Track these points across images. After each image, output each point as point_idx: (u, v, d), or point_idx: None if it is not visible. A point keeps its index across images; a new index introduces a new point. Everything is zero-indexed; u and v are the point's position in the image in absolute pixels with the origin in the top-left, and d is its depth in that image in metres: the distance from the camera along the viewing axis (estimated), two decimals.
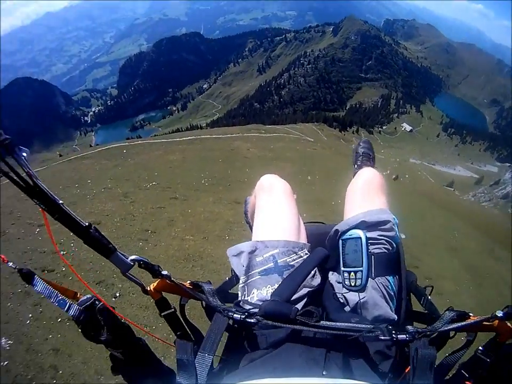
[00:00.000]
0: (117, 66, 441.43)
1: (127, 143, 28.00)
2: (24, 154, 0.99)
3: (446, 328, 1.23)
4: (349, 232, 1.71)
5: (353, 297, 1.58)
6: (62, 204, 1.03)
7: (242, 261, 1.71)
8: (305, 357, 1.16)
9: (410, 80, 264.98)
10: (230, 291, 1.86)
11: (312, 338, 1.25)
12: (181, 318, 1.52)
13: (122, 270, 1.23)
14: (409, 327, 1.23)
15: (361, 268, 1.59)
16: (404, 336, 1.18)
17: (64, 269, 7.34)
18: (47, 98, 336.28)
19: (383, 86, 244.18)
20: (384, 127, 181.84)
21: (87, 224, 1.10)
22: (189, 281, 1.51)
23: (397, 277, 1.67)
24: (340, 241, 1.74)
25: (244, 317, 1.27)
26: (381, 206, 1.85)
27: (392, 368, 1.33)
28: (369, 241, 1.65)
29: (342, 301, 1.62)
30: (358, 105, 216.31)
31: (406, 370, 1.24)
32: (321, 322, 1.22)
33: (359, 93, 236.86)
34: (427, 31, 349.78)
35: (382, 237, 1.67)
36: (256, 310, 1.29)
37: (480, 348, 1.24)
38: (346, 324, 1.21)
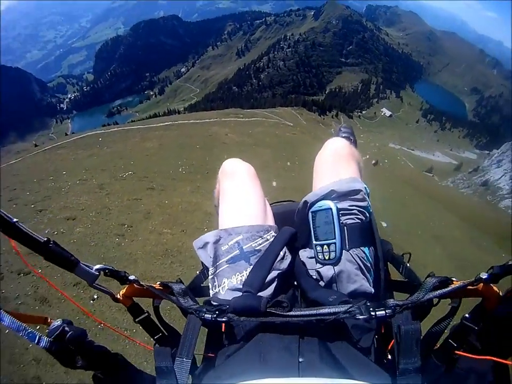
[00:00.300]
0: (93, 51, 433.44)
1: (102, 131, 27.47)
2: None
3: (428, 297, 1.18)
4: (318, 204, 1.63)
5: (327, 271, 1.52)
6: (16, 221, 0.98)
7: (209, 252, 1.66)
8: (277, 347, 1.14)
9: (391, 66, 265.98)
10: (203, 285, 1.83)
11: (284, 325, 1.21)
12: (158, 321, 1.51)
13: (88, 281, 1.20)
14: (389, 301, 1.18)
15: (334, 240, 1.53)
16: (383, 312, 1.12)
17: (40, 270, 6.91)
18: (22, 86, 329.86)
19: (363, 71, 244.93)
20: (363, 112, 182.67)
21: (45, 239, 1.06)
22: (158, 283, 1.49)
23: (373, 248, 1.61)
24: (310, 213, 1.66)
25: (214, 316, 1.25)
26: (352, 175, 1.76)
27: (375, 342, 1.31)
28: (340, 212, 1.58)
29: (315, 277, 1.55)
30: (337, 90, 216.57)
31: (390, 345, 1.26)
32: (293, 310, 1.18)
33: (339, 78, 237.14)
34: (409, 18, 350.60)
35: (354, 207, 1.61)
36: (227, 307, 1.26)
37: (466, 315, 1.19)
38: (319, 310, 1.16)
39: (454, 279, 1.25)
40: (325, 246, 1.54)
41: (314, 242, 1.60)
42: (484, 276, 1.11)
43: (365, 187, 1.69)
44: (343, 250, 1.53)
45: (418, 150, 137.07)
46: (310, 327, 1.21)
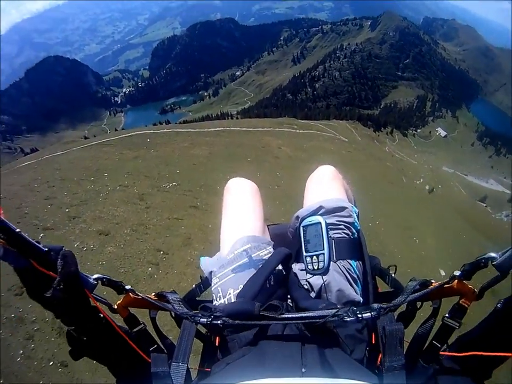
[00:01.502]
0: (149, 49, 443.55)
1: (152, 131, 26.79)
2: None
3: (409, 299, 1.25)
4: (309, 219, 1.73)
5: (317, 281, 1.59)
6: (20, 231, 0.97)
7: (213, 263, 1.75)
8: (280, 355, 1.16)
9: (448, 83, 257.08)
10: (198, 298, 1.85)
11: (284, 335, 1.26)
12: (155, 331, 1.51)
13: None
14: (374, 305, 1.24)
15: (322, 251, 1.61)
16: (369, 314, 1.19)
17: None
18: (78, 77, 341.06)
19: (420, 87, 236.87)
20: (418, 130, 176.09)
21: (46, 250, 1.03)
22: (153, 293, 1.51)
23: (360, 262, 1.70)
24: (301, 228, 1.74)
25: (210, 320, 1.27)
26: (338, 195, 1.89)
27: (367, 352, 1.35)
28: (329, 226, 1.67)
29: (306, 287, 1.63)
30: (392, 105, 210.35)
31: (379, 359, 1.28)
32: (285, 314, 1.24)
33: (395, 92, 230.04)
34: (466, 32, 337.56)
35: (340, 222, 1.70)
36: (222, 312, 1.29)
37: (446, 314, 1.24)
38: (309, 313, 1.23)
39: (432, 281, 1.32)
40: (314, 257, 1.62)
41: (304, 254, 1.67)
42: (457, 273, 1.18)
43: (352, 206, 1.81)
44: (331, 262, 1.61)
45: (471, 176, 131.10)
46: (308, 337, 1.26)
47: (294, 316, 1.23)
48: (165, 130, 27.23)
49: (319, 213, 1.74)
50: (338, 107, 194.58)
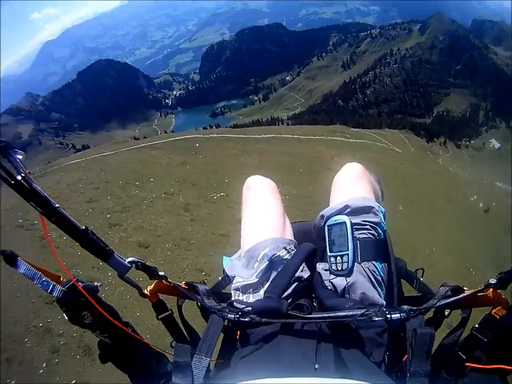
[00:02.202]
0: (199, 53, 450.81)
1: (201, 135, 26.46)
2: (20, 157, 0.94)
3: (440, 304, 1.23)
4: (334, 218, 1.71)
5: (340, 282, 1.58)
6: (58, 207, 1.01)
7: (238, 267, 1.75)
8: (295, 351, 1.16)
9: (500, 90, 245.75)
10: (224, 291, 1.86)
11: (302, 331, 1.25)
12: (180, 319, 1.53)
13: (119, 273, 1.22)
14: (404, 307, 1.24)
15: (347, 252, 1.59)
16: (398, 315, 1.18)
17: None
18: (129, 80, 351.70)
19: (472, 94, 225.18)
20: (471, 142, 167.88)
21: (84, 228, 1.08)
22: (184, 282, 1.53)
23: (385, 264, 1.68)
24: (326, 227, 1.74)
25: (237, 316, 1.28)
26: (365, 195, 1.87)
27: (386, 357, 1.33)
28: (354, 226, 1.65)
29: (330, 287, 1.62)
30: (445, 113, 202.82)
31: (404, 359, 1.26)
32: (313, 313, 1.22)
33: (447, 100, 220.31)
34: None
35: (366, 222, 1.69)
36: (250, 309, 1.31)
37: (476, 325, 1.19)
38: (337, 312, 1.22)
39: (465, 288, 1.27)
40: (338, 257, 1.60)
41: (328, 254, 1.66)
42: (493, 281, 1.13)
43: (378, 205, 1.78)
44: (355, 263, 1.59)
45: None
46: (326, 335, 1.25)
47: (321, 315, 1.22)
48: (215, 135, 26.74)
49: (344, 212, 1.72)
50: (389, 115, 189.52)
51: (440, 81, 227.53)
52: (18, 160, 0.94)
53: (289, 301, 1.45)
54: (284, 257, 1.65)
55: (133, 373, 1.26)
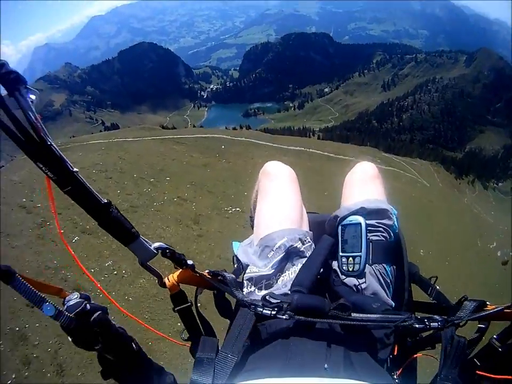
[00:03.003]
0: (242, 51, 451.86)
1: (229, 136, 25.78)
2: (33, 97, 0.79)
3: (471, 318, 1.23)
4: (349, 218, 1.69)
5: (350, 282, 1.59)
6: (76, 172, 0.89)
7: (250, 254, 1.73)
8: (305, 350, 1.13)
9: None
10: (238, 280, 1.72)
11: (314, 329, 1.22)
12: (196, 311, 1.46)
13: (141, 259, 1.13)
14: (436, 317, 1.23)
15: (359, 253, 1.57)
16: (436, 324, 1.19)
17: None
18: (169, 66, 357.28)
19: (508, 135, 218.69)
20: (499, 184, 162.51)
21: (106, 201, 0.97)
22: (207, 271, 1.45)
23: (394, 267, 1.69)
24: (340, 227, 1.72)
25: (274, 312, 1.19)
26: (379, 196, 1.88)
27: (391, 357, 1.34)
28: (368, 228, 1.63)
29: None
30: (477, 150, 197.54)
31: (408, 361, 1.31)
32: (353, 314, 1.19)
33: (481, 137, 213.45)
34: None
35: (380, 225, 1.70)
36: (286, 305, 1.21)
37: (494, 336, 1.24)
38: (379, 315, 1.21)
39: (488, 303, 1.29)
40: (350, 258, 1.59)
41: (340, 253, 1.65)
42: None
43: (392, 208, 1.79)
44: (366, 264, 1.58)
45: None
46: (337, 334, 1.25)
47: (363, 317, 1.19)
48: (243, 138, 25.99)
49: (359, 214, 1.69)
50: (422, 143, 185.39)
51: (478, 116, 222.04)
52: (29, 101, 0.79)
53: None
54: (300, 249, 1.64)
55: None
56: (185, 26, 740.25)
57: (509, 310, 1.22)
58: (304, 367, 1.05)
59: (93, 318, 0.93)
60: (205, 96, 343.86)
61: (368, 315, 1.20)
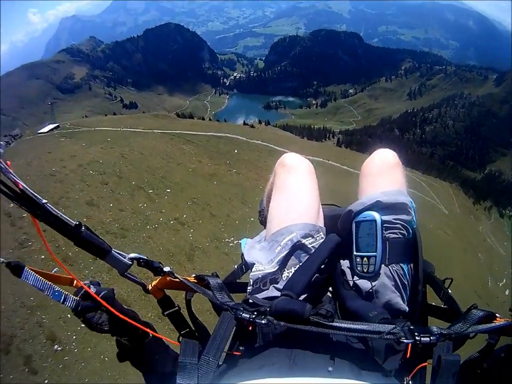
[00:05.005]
0: (270, 41, 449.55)
1: (244, 138, 24.59)
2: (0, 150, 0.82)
3: (473, 330, 1.14)
4: (363, 214, 1.63)
5: (365, 284, 1.53)
6: (46, 203, 0.95)
7: (257, 250, 1.69)
8: (309, 352, 1.11)
9: None
10: (239, 281, 1.79)
11: (318, 332, 1.13)
12: (188, 315, 1.48)
13: (120, 271, 1.16)
14: (433, 328, 1.16)
15: (375, 253, 1.52)
16: (428, 339, 1.10)
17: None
18: (194, 50, 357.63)
19: None
20: None
21: (76, 223, 1.02)
22: (193, 275, 1.47)
23: (411, 265, 1.61)
24: (354, 223, 1.66)
25: (253, 316, 1.18)
26: (399, 187, 1.77)
27: (400, 364, 1.26)
28: (384, 225, 1.57)
29: (353, 288, 1.57)
30: (497, 173, 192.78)
31: (417, 368, 1.22)
32: (335, 321, 1.13)
33: (503, 160, 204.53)
34: None
35: (398, 221, 1.60)
36: (267, 309, 1.20)
37: (501, 354, 1.19)
38: (362, 325, 1.13)
39: (497, 315, 1.22)
40: (365, 258, 1.54)
41: (354, 252, 1.60)
42: None
43: (411, 201, 1.69)
44: (382, 265, 1.53)
45: None
46: (341, 339, 1.21)
47: (345, 326, 1.12)
48: (259, 142, 24.83)
49: (375, 209, 1.63)
50: (442, 159, 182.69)
51: (502, 139, 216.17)
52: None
53: (305, 295, 1.42)
54: (309, 246, 1.58)
55: (149, 372, 1.25)
56: (214, 11, 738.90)
57: None
58: (307, 370, 1.04)
59: (99, 295, 1.03)
60: (227, 84, 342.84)
61: (351, 325, 1.13)
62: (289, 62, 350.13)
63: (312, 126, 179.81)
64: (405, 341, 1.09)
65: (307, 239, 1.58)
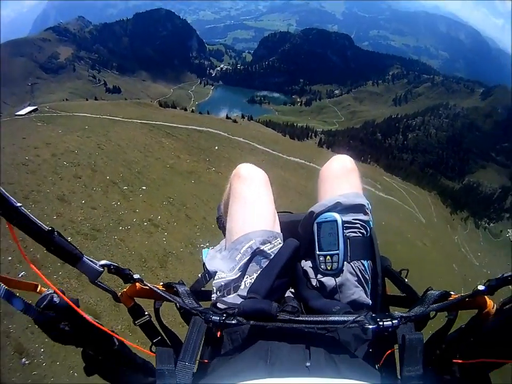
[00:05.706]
0: (260, 35, 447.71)
1: (225, 134, 24.16)
2: None
3: (429, 310, 1.22)
4: (324, 215, 1.68)
5: (329, 281, 1.57)
6: (20, 207, 0.94)
7: (218, 259, 1.72)
8: (285, 350, 1.13)
9: None
10: (203, 289, 1.80)
11: (290, 329, 1.19)
12: (158, 324, 1.48)
13: (90, 278, 1.16)
14: (394, 313, 1.22)
15: (337, 251, 1.57)
16: (390, 323, 1.16)
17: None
18: (182, 38, 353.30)
19: (508, 176, 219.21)
20: (491, 225, 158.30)
21: (49, 229, 1.01)
22: (161, 283, 1.49)
23: (371, 262, 1.67)
24: (315, 224, 1.71)
25: (223, 318, 1.22)
26: (356, 190, 1.86)
27: (370, 352, 1.32)
28: (344, 225, 1.63)
29: (317, 286, 1.61)
30: (475, 185, 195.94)
31: (386, 354, 1.27)
32: (302, 316, 1.20)
33: (482, 172, 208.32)
34: None
35: (357, 221, 1.68)
36: (235, 310, 1.24)
37: (462, 326, 1.26)
38: (328, 317, 1.19)
39: (452, 292, 1.29)
40: (328, 257, 1.58)
41: (317, 252, 1.64)
42: (481, 288, 1.15)
43: (368, 203, 1.78)
44: (345, 262, 1.58)
45: None
46: (314, 333, 1.22)
47: (312, 319, 1.18)
48: (240, 139, 24.37)
49: (335, 210, 1.70)
50: (422, 166, 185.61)
51: (483, 151, 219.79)
52: None
53: (274, 299, 1.41)
54: (268, 251, 1.62)
55: (118, 382, 1.23)
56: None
57: (470, 299, 1.23)
58: (286, 366, 1.05)
59: (56, 305, 1.00)
60: (213, 75, 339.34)
61: (315, 317, 1.19)
62: (278, 57, 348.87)
63: (295, 124, 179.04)
64: (369, 326, 1.14)
65: (265, 245, 1.62)
